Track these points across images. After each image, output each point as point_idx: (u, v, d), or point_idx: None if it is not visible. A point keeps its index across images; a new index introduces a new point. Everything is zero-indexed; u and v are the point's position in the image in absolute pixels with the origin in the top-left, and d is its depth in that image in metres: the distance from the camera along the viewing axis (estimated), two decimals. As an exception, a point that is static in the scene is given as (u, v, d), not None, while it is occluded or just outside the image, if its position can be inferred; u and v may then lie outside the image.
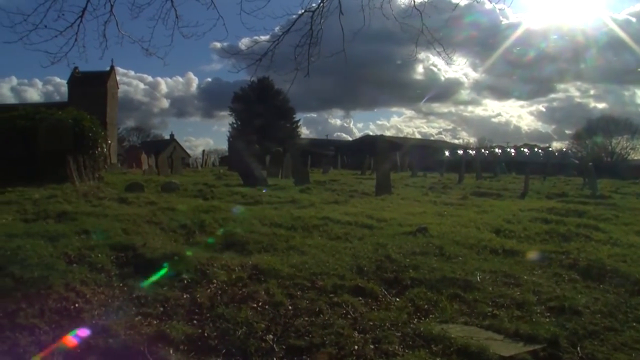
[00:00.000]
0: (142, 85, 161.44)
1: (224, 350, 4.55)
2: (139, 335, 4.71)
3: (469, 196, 18.06)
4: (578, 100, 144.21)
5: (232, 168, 31.83)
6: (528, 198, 19.11)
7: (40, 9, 8.08)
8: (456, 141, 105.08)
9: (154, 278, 6.21)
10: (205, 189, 17.77)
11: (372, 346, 4.65)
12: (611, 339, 5.00)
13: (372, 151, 30.96)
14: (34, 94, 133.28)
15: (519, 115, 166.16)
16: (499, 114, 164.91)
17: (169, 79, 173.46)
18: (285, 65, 9.86)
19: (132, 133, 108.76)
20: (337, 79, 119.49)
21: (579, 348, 4.76)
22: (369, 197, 17.37)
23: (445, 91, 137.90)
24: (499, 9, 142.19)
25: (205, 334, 4.82)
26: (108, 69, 62.01)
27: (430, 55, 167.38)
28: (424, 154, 55.52)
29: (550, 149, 75.33)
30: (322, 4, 9.31)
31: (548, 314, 5.60)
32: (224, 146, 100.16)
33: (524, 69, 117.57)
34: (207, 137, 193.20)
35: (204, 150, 68.70)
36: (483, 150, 72.91)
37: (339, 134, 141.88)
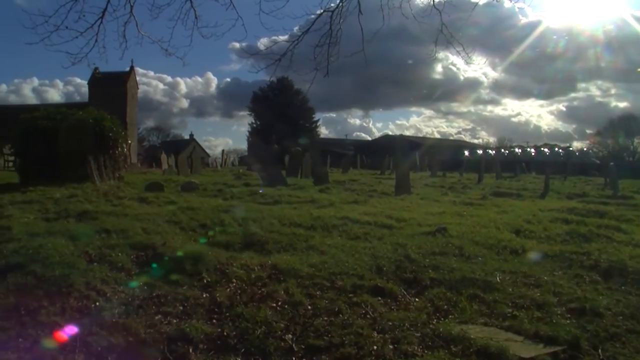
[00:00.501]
0: (161, 86, 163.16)
1: (243, 350, 4.56)
2: (159, 334, 4.74)
3: (489, 196, 17.94)
4: (599, 99, 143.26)
5: (252, 168, 31.89)
6: (548, 198, 18.95)
7: (61, 11, 8.18)
8: (476, 141, 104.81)
9: (174, 277, 6.24)
10: (224, 188, 17.85)
11: (391, 346, 4.64)
12: (633, 342, 4.94)
13: (391, 151, 30.84)
14: (55, 95, 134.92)
15: (538, 114, 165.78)
16: (518, 114, 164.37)
17: (188, 79, 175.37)
18: (305, 65, 9.88)
19: (151, 133, 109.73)
20: (356, 78, 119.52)
21: (600, 350, 4.71)
22: (389, 196, 17.33)
23: (464, 90, 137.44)
24: (518, 8, 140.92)
25: (225, 333, 4.83)
26: (128, 69, 62.31)
27: (450, 55, 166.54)
28: (443, 154, 55.26)
29: (571, 149, 74.73)
30: (341, 4, 9.32)
31: (568, 316, 5.54)
32: (243, 146, 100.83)
33: (544, 68, 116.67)
34: (227, 137, 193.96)
35: (223, 150, 68.92)
36: (503, 150, 72.47)
37: (358, 133, 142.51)
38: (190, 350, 4.49)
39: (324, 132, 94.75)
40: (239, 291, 5.92)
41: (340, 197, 15.83)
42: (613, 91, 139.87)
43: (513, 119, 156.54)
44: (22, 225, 8.55)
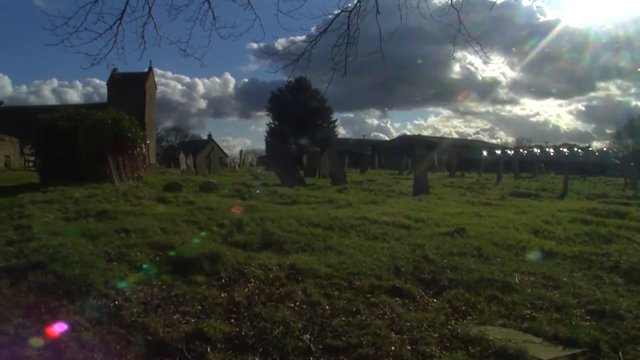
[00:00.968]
0: (179, 86, 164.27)
1: (261, 349, 4.56)
2: (177, 333, 4.76)
3: (507, 196, 17.83)
4: (619, 98, 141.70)
5: (270, 168, 31.95)
6: (567, 199, 18.80)
7: (80, 12, 8.22)
8: (494, 141, 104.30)
9: (192, 277, 6.26)
10: (243, 188, 17.91)
11: (409, 347, 4.62)
12: (654, 344, 4.88)
13: (409, 151, 30.90)
14: (74, 95, 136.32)
15: (557, 114, 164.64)
16: (537, 113, 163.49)
17: (206, 80, 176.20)
18: (322, 65, 9.87)
19: (170, 133, 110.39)
20: (374, 78, 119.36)
21: (620, 353, 4.64)
22: (407, 197, 17.30)
23: (482, 90, 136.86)
24: (537, 7, 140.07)
25: (243, 333, 4.83)
26: (146, 70, 62.74)
27: (467, 54, 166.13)
28: (461, 154, 55.07)
29: (590, 149, 74.09)
30: (358, 4, 9.29)
31: (588, 318, 5.48)
32: (261, 146, 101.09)
33: (563, 67, 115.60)
34: (245, 137, 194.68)
35: (241, 150, 69.12)
36: (521, 150, 71.97)
37: (376, 133, 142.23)
38: (209, 350, 4.50)
39: (341, 132, 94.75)
40: (257, 291, 5.94)
41: (358, 198, 15.83)
42: (633, 90, 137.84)
43: (531, 119, 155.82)
44: (43, 225, 8.64)
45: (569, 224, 10.59)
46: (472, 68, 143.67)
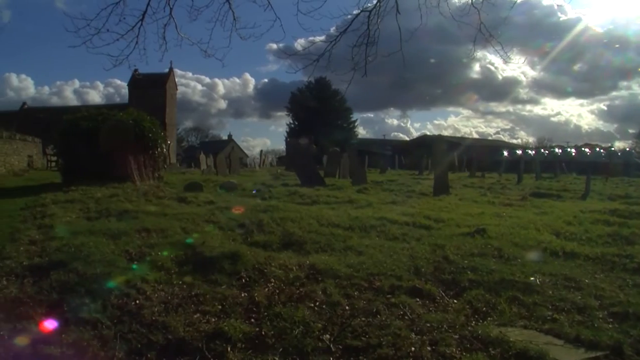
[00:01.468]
0: (199, 87, 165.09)
1: (280, 349, 4.57)
2: (198, 332, 4.78)
3: (528, 197, 17.70)
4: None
5: (290, 168, 32.02)
6: (589, 199, 18.65)
7: (102, 14, 8.30)
8: (515, 141, 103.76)
9: (213, 276, 6.29)
10: (263, 188, 17.95)
11: (429, 348, 4.60)
12: (679, 348, 4.82)
13: (429, 151, 30.73)
14: (95, 96, 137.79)
15: (579, 114, 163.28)
16: (558, 113, 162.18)
17: (226, 80, 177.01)
18: (342, 65, 9.87)
19: (190, 133, 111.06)
20: (393, 78, 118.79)
21: (644, 356, 4.61)
22: (427, 197, 17.25)
23: (503, 90, 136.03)
24: (557, 5, 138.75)
25: (263, 333, 4.84)
26: (167, 70, 63.18)
27: (487, 54, 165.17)
28: (482, 154, 54.71)
29: (613, 149, 73.15)
30: (378, 4, 9.29)
31: (611, 320, 5.42)
32: (281, 146, 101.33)
33: (584, 66, 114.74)
34: (265, 137, 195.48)
35: (261, 151, 69.45)
36: (542, 150, 71.43)
37: (396, 133, 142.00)
38: (229, 349, 4.52)
39: (361, 132, 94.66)
40: (277, 291, 5.94)
41: (378, 198, 15.82)
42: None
43: (552, 119, 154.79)
44: (65, 224, 8.72)
45: (591, 225, 10.49)
46: (492, 67, 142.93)
